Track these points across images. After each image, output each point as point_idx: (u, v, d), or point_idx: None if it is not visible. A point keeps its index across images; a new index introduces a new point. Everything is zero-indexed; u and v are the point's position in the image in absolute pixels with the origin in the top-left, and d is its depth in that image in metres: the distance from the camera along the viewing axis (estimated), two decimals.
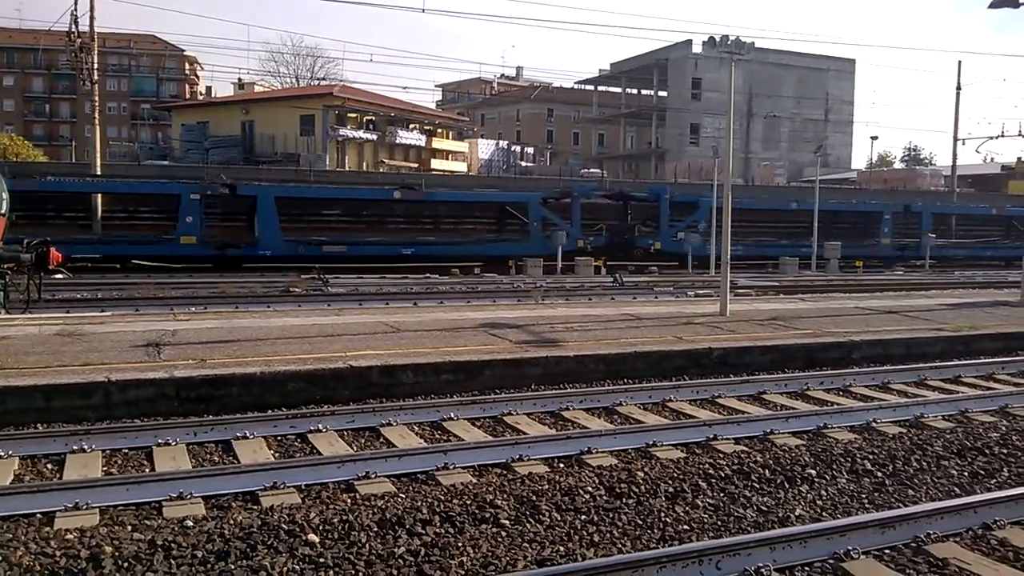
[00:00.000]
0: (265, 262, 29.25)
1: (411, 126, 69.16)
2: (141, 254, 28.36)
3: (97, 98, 35.55)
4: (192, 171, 38.55)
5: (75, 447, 7.18)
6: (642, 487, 6.41)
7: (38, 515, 5.76)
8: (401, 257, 31.24)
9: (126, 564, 4.91)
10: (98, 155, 35.20)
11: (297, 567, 4.93)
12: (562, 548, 5.34)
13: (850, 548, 5.25)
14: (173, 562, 4.94)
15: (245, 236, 30.33)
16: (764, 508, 6.21)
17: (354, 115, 63.52)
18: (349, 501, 6.13)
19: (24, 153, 52.99)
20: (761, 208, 39.39)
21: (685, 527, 5.79)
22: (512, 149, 78.31)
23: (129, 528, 5.50)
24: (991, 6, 18.17)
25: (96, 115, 35.42)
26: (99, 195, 30.52)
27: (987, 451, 7.75)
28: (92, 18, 33.79)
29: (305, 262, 28.36)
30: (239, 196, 30.32)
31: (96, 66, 34.71)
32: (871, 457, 7.40)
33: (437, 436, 8.12)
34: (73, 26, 33.34)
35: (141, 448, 7.39)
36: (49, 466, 6.99)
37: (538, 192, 36.05)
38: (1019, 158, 67.23)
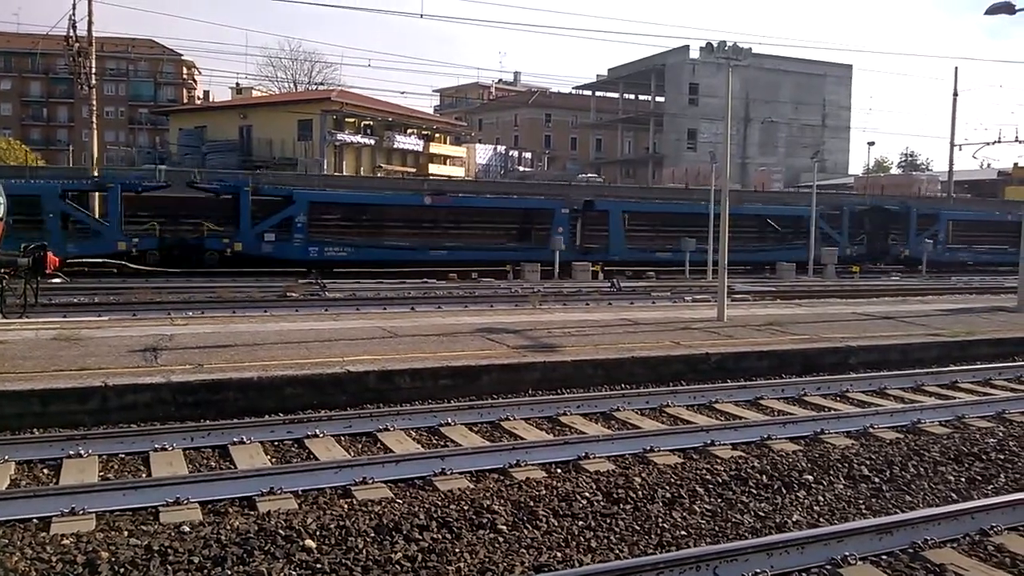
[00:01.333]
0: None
1: (409, 131, 69.13)
2: None
3: (95, 102, 35.53)
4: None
5: (72, 452, 7.17)
6: (639, 493, 6.41)
7: (34, 520, 5.75)
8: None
9: (122, 570, 4.90)
10: (95, 159, 35.18)
11: (294, 573, 4.93)
12: (559, 554, 5.33)
13: (847, 554, 5.26)
14: (170, 568, 4.93)
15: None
16: (761, 514, 6.21)
17: (352, 120, 63.51)
18: (346, 507, 6.12)
19: (21, 157, 52.87)
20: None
21: (682, 533, 5.79)
22: (510, 154, 78.34)
23: (126, 533, 5.49)
24: (987, 12, 18.24)
25: (94, 119, 35.40)
26: None
27: (984, 457, 7.76)
28: (90, 22, 33.83)
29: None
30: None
31: (94, 70, 34.71)
32: (868, 463, 7.40)
33: (434, 441, 8.11)
34: (71, 30, 33.42)
35: (138, 453, 7.38)
36: (46, 471, 6.98)
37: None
38: (1016, 164, 67.40)
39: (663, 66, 78.55)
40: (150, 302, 19.33)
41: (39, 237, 19.55)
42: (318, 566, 5.00)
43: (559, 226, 33.25)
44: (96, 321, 13.80)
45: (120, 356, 9.97)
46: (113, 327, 12.64)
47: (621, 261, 33.92)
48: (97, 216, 29.86)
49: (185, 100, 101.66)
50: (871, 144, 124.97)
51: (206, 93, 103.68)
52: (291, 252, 29.95)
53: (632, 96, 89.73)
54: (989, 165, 66.59)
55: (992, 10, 18.17)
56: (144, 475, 6.90)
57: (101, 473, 6.93)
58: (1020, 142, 56.58)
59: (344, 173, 55.81)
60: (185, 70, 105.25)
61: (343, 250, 31.01)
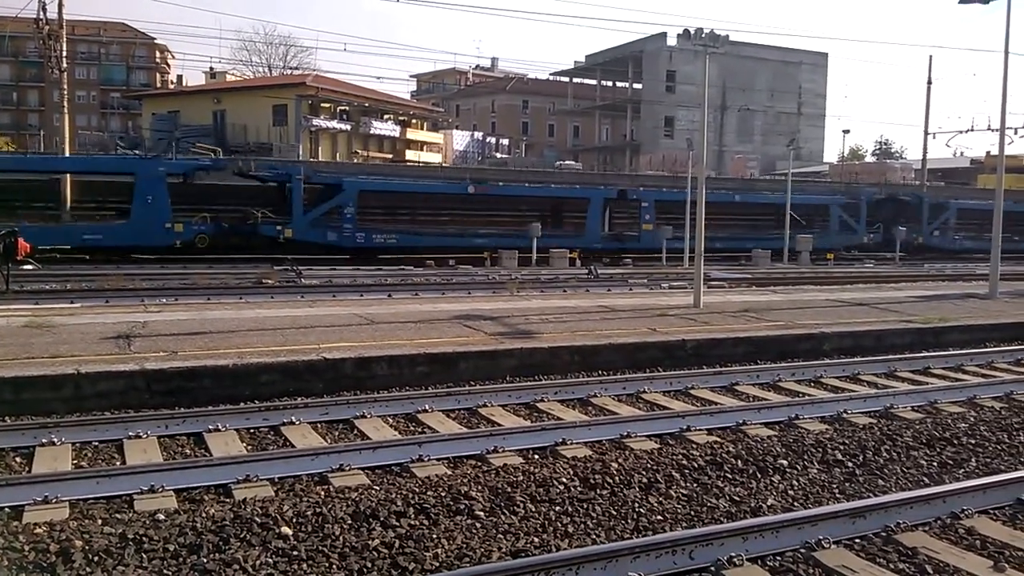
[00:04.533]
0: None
1: (385, 117, 68.72)
2: None
3: (66, 86, 35.07)
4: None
5: (44, 440, 7.10)
6: (616, 478, 6.44)
7: (6, 509, 5.68)
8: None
9: (96, 558, 4.86)
10: (67, 144, 34.70)
11: (270, 560, 4.91)
12: (536, 539, 5.35)
13: (821, 537, 5.31)
14: (144, 556, 4.90)
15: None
16: (737, 498, 6.26)
17: (327, 105, 63.02)
18: (323, 494, 6.10)
19: None
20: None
21: (659, 517, 5.83)
22: (487, 141, 78.09)
23: (100, 522, 5.44)
24: (961, 1, 18.35)
25: (65, 104, 34.92)
26: None
27: (955, 441, 7.86)
28: (60, 5, 33.29)
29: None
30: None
31: (65, 54, 34.21)
32: (842, 447, 7.48)
33: (412, 428, 8.11)
34: (41, 13, 32.83)
35: (112, 441, 7.32)
36: (18, 459, 6.91)
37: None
38: (988, 152, 68.07)
39: (640, 53, 78.56)
40: (123, 289, 19.12)
41: None
42: (295, 553, 4.98)
43: (594, 214, 34.65)
44: (68, 308, 13.65)
45: (93, 343, 9.87)
46: (86, 314, 12.51)
47: (649, 249, 35.24)
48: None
49: (158, 84, 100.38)
50: (846, 132, 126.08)
51: (179, 77, 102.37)
52: (341, 239, 30.77)
53: (609, 83, 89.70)
54: (962, 153, 67.07)
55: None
56: (118, 463, 6.85)
57: (74, 461, 6.87)
58: (993, 130, 56.97)
59: (320, 159, 55.42)
60: (158, 54, 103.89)
61: (390, 237, 31.91)
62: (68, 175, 31.22)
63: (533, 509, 5.85)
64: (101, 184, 31.09)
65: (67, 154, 33.83)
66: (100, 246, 27.38)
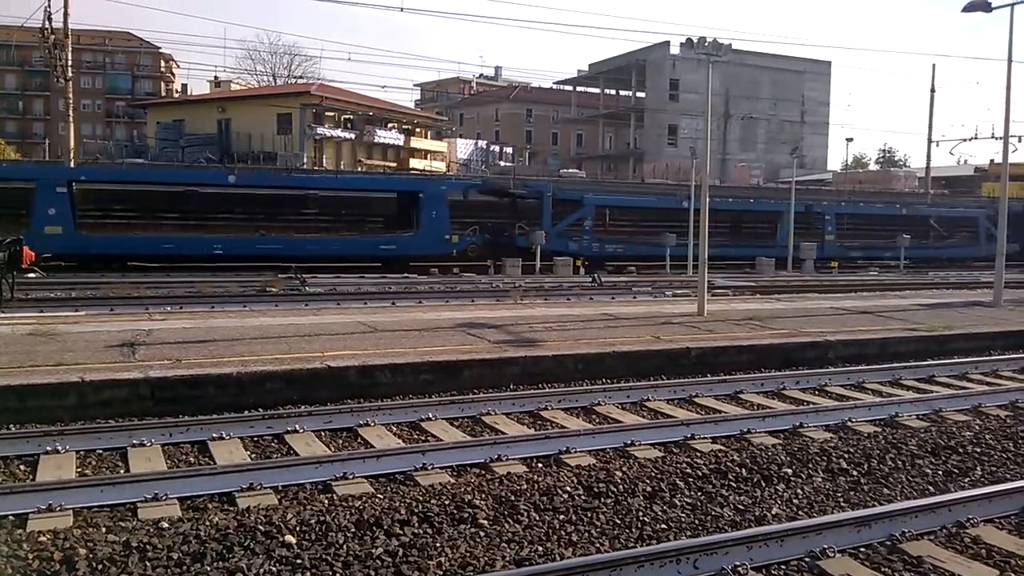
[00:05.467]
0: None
1: (389, 125, 68.94)
2: None
3: (71, 95, 35.19)
4: None
5: (49, 448, 7.10)
6: (620, 486, 6.43)
7: (10, 517, 5.67)
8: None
9: (100, 566, 4.86)
10: (72, 153, 34.81)
11: (274, 568, 4.90)
12: (540, 548, 5.34)
13: (826, 547, 5.29)
14: (148, 564, 4.89)
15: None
16: (741, 507, 6.25)
17: (332, 114, 63.24)
18: (326, 502, 6.10)
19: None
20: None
21: (663, 526, 5.81)
22: (491, 149, 78.23)
23: (103, 530, 5.44)
24: (965, 9, 18.38)
25: (70, 112, 35.05)
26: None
27: (961, 450, 7.84)
28: (66, 14, 33.46)
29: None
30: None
31: (70, 63, 34.34)
32: (847, 456, 7.46)
33: (415, 436, 8.10)
34: (47, 22, 33.01)
35: (116, 449, 7.31)
36: (22, 467, 6.91)
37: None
38: (992, 160, 68.00)
39: (644, 62, 78.77)
40: (128, 297, 19.15)
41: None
42: (298, 562, 4.98)
43: (784, 225, 37.66)
44: (73, 316, 13.66)
45: (97, 351, 9.88)
46: (90, 322, 12.53)
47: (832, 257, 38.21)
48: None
49: (163, 93, 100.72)
50: (850, 140, 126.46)
51: (184, 86, 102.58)
52: (581, 248, 34.31)
53: (613, 91, 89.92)
54: (966, 161, 67.00)
55: (969, 7, 18.29)
56: (122, 471, 6.85)
57: (79, 469, 6.86)
58: (996, 138, 56.96)
59: (325, 167, 55.54)
60: (163, 63, 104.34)
61: (618, 247, 35.56)
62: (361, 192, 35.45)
63: (537, 518, 5.84)
64: (390, 200, 34.86)
65: (72, 162, 33.98)
66: (392, 256, 31.26)
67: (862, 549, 5.44)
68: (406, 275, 27.37)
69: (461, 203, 33.48)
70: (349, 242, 31.27)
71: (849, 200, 45.62)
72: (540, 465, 7.25)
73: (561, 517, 5.86)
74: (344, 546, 5.21)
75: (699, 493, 6.48)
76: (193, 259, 27.76)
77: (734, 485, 6.69)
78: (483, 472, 7.00)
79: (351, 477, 6.60)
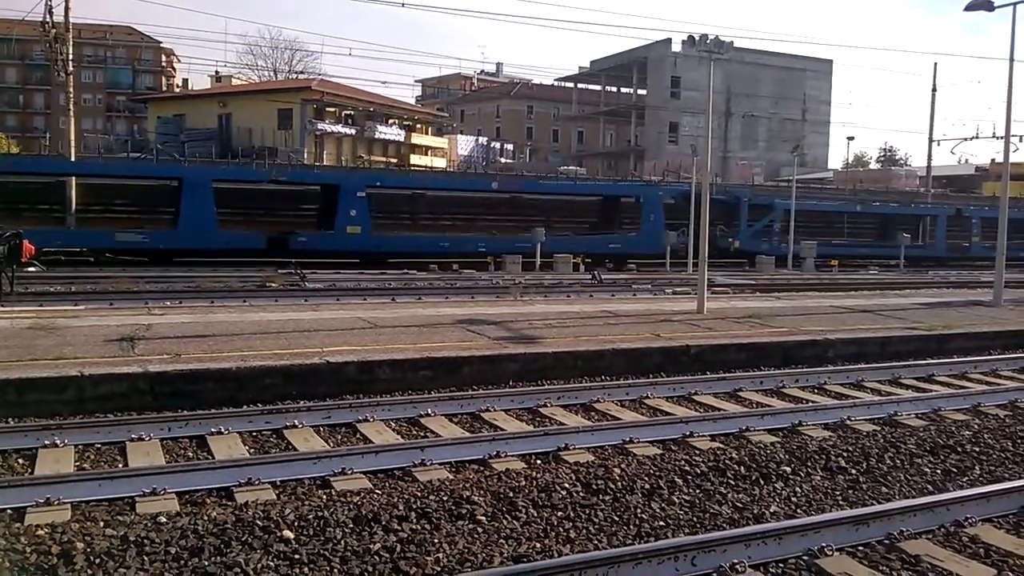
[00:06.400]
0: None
1: (390, 121, 68.88)
2: None
3: (72, 89, 35.13)
4: None
5: (47, 442, 7.10)
6: (619, 483, 6.42)
7: (8, 511, 5.68)
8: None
9: (98, 560, 4.86)
10: (72, 147, 34.78)
11: (272, 564, 4.90)
12: (538, 544, 5.34)
13: (824, 545, 5.29)
14: (146, 558, 4.89)
15: None
16: (739, 505, 6.24)
17: (332, 109, 63.19)
18: (325, 497, 6.09)
19: (3, 146, 52.19)
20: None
21: (661, 523, 5.81)
22: (492, 145, 78.17)
23: (101, 524, 5.44)
24: (967, 8, 18.35)
25: (71, 106, 34.98)
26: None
27: (959, 449, 7.83)
28: (67, 8, 33.43)
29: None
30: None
31: (71, 57, 34.30)
32: (845, 454, 7.46)
33: (414, 432, 8.10)
34: (47, 16, 32.97)
35: (114, 443, 7.31)
36: (21, 461, 6.91)
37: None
38: (993, 159, 67.91)
39: (645, 59, 78.67)
40: (127, 291, 19.16)
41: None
42: (296, 557, 4.97)
43: (941, 227, 42.45)
44: (72, 310, 13.67)
45: (97, 346, 9.88)
46: (90, 316, 12.52)
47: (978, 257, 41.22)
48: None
49: (164, 88, 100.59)
50: (851, 139, 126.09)
51: (185, 81, 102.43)
52: (771, 248, 37.52)
53: (614, 89, 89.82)
54: (967, 161, 66.95)
55: (971, 7, 18.26)
56: (120, 465, 6.85)
57: (77, 463, 6.86)
58: (997, 138, 56.88)
59: (325, 163, 55.50)
60: (164, 58, 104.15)
61: (783, 244, 38.06)
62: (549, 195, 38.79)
63: (535, 514, 5.83)
64: (602, 204, 39.20)
65: (72, 157, 33.96)
66: (618, 254, 34.98)
67: (860, 547, 5.44)
68: (405, 271, 27.36)
69: (674, 207, 36.15)
70: (583, 241, 35.43)
71: (989, 205, 46.30)
72: (539, 462, 7.25)
73: (559, 514, 5.86)
74: (342, 542, 5.21)
75: (697, 491, 6.48)
76: (464, 256, 31.71)
77: (732, 483, 6.69)
78: (481, 468, 6.99)
79: (349, 473, 6.60)
